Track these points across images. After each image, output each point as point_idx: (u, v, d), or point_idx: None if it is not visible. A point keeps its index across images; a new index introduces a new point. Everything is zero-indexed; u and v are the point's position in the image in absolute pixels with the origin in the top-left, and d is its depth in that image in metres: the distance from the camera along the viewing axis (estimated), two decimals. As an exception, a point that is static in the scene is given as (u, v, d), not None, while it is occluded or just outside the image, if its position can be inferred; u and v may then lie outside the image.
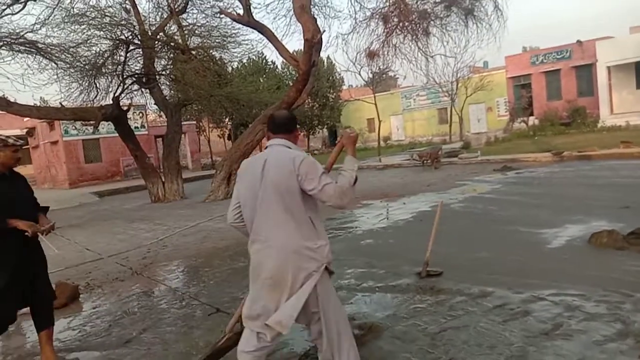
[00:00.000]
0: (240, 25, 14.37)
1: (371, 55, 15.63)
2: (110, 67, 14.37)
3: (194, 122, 31.92)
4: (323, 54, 22.16)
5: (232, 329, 3.29)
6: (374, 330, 3.73)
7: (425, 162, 16.87)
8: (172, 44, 15.22)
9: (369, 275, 5.22)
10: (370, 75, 25.38)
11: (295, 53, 15.51)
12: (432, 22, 14.46)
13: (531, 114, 28.71)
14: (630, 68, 24.99)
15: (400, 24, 14.30)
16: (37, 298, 3.71)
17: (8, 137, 3.68)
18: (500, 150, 18.30)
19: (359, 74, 22.06)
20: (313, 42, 11.27)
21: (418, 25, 14.38)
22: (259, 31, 13.17)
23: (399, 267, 5.31)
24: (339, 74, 37.27)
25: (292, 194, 2.60)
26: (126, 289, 5.82)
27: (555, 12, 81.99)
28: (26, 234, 3.45)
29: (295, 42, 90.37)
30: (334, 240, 7.18)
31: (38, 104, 18.02)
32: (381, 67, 19.05)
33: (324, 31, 12.64)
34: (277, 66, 35.47)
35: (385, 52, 15.18)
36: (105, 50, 14.05)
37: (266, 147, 2.82)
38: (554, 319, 3.63)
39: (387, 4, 14.07)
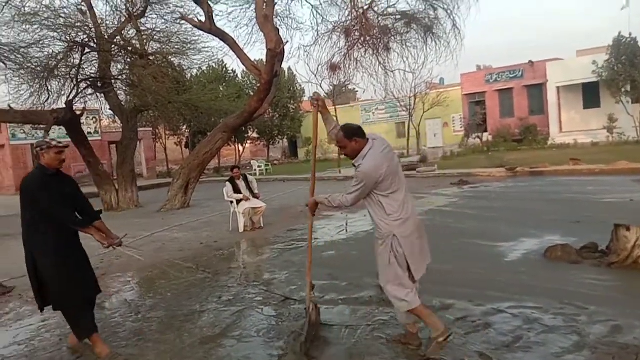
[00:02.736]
0: (201, 33, 14.14)
1: (333, 67, 15.70)
2: (63, 69, 13.81)
3: (150, 128, 31.15)
4: (284, 65, 22.08)
5: (310, 300, 3.90)
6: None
7: (384, 174, 17.04)
8: (129, 48, 14.82)
9: (331, 287, 5.18)
10: (331, 88, 25.58)
11: (256, 62, 15.42)
12: (392, 38, 14.71)
13: (485, 130, 29.65)
14: (578, 89, 26.28)
15: (362, 38, 14.47)
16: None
17: (52, 139, 3.96)
18: (456, 165, 18.76)
19: (320, 86, 22.15)
20: (276, 52, 11.23)
21: (379, 40, 14.60)
22: (220, 39, 13.00)
23: (361, 279, 5.30)
24: (300, 85, 37.38)
25: None
26: (77, 302, 5.52)
27: (508, 33, 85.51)
28: (104, 247, 4.08)
29: (256, 52, 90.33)
30: (295, 252, 7.11)
31: (-17, 105, 17.09)
32: (342, 79, 19.21)
33: (287, 42, 12.64)
34: (237, 75, 35.21)
35: (347, 65, 15.30)
36: (59, 52, 13.50)
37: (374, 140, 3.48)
38: (514, 332, 3.70)
39: (349, 18, 14.23)
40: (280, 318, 4.42)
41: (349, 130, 3.46)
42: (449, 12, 13.59)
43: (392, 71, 15.37)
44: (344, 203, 3.49)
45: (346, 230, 8.44)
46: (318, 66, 15.43)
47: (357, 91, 45.20)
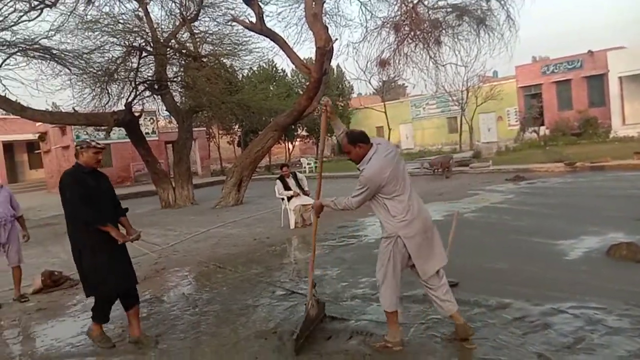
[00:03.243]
0: (252, 33, 14.42)
1: (382, 63, 15.59)
2: (122, 73, 14.47)
3: (204, 128, 32.03)
4: (333, 62, 22.24)
5: (312, 297, 4.00)
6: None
7: (436, 170, 16.78)
8: (183, 51, 15.30)
9: (383, 284, 5.15)
10: (380, 84, 25.38)
11: (306, 61, 15.54)
12: (443, 31, 14.44)
13: (542, 124, 28.52)
14: (643, 78, 24.80)
15: (412, 33, 14.27)
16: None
17: (92, 140, 4.26)
18: (512, 160, 18.18)
19: (369, 82, 22.03)
20: (325, 50, 11.28)
21: (430, 34, 14.36)
22: (271, 39, 13.20)
23: (413, 278, 5.23)
24: (349, 82, 37.33)
25: None
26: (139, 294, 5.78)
27: (566, 22, 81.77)
28: (119, 243, 4.00)
29: (305, 50, 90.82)
30: (346, 249, 7.14)
31: (50, 109, 18.13)
32: (391, 75, 19.03)
33: (336, 39, 12.67)
34: (287, 74, 35.60)
35: (396, 61, 15.15)
36: (118, 57, 14.16)
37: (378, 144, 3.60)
38: (575, 333, 3.56)
39: (399, 13, 14.08)
40: (332, 313, 4.44)
41: (353, 136, 3.58)
42: (502, 2, 13.20)
43: (443, 65, 15.11)
44: (349, 206, 3.59)
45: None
46: (367, 62, 15.38)
47: (406, 86, 44.69)
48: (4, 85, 13.00)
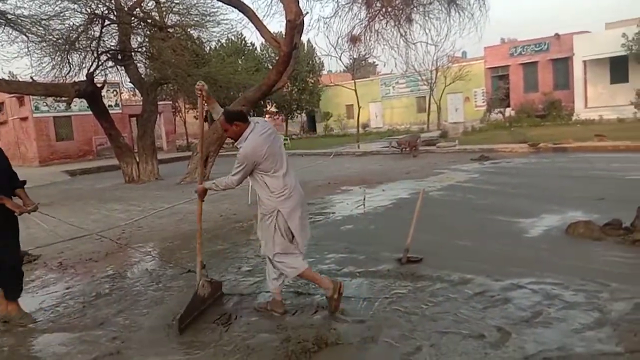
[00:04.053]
0: (220, 4, 14.02)
1: (353, 39, 15.45)
2: (84, 42, 13.86)
3: (170, 102, 31.28)
4: (303, 38, 21.92)
5: (201, 277, 4.14)
6: (329, 345, 3.32)
7: (404, 149, 16.93)
8: (149, 20, 14.78)
9: (349, 260, 5.19)
10: (351, 61, 25.24)
11: (275, 34, 15.25)
12: (415, 9, 14.37)
13: (508, 105, 29.05)
14: (605, 63, 25.47)
15: (383, 9, 14.17)
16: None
17: None
18: (478, 140, 18.48)
19: (340, 59, 21.92)
20: (295, 23, 11.06)
21: (401, 11, 14.28)
22: (239, 10, 12.85)
23: (379, 253, 5.29)
24: (319, 59, 36.97)
25: None
26: (100, 270, 5.66)
27: (535, 6, 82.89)
28: (15, 214, 3.95)
29: (275, 23, 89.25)
30: (313, 226, 7.11)
31: (7, 77, 17.30)
32: (362, 52, 18.93)
33: (307, 13, 12.44)
34: (256, 48, 34.94)
35: (367, 37, 15.04)
36: (80, 25, 13.53)
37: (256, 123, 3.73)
38: (533, 307, 3.67)
39: (371, -12, 13.91)
40: (298, 288, 4.44)
41: (230, 115, 3.73)
42: (473, -19, 13.20)
43: (413, 43, 15.08)
44: (230, 185, 3.76)
45: (364, 205, 8.43)
46: (338, 38, 15.22)
47: (377, 64, 44.66)
48: (-48, 52, 12.30)
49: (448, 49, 24.26)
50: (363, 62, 28.45)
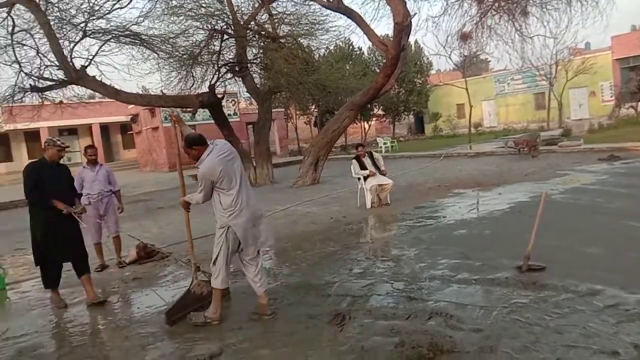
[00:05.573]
0: (328, 12, 14.36)
1: (464, 37, 14.96)
2: (206, 56, 15.01)
3: (282, 109, 32.62)
4: (411, 38, 21.44)
5: (195, 277, 4.61)
6: (444, 352, 3.23)
7: (521, 150, 15.97)
8: (262, 32, 15.57)
9: (463, 266, 5.04)
10: (461, 59, 24.38)
11: (383, 38, 15.26)
12: (530, 1, 13.54)
13: (640, 99, 26.14)
14: None
15: (496, 4, 13.52)
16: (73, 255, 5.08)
17: (57, 139, 5.12)
18: (606, 139, 16.90)
19: (449, 58, 21.26)
20: (403, 25, 10.99)
21: (516, 4, 13.53)
22: (347, 16, 13.06)
23: (496, 260, 5.08)
24: (427, 58, 36.18)
25: None
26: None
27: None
28: (63, 212, 4.81)
29: (382, 27, 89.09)
30: (423, 229, 7.03)
31: (141, 92, 19.28)
32: (473, 49, 18.23)
33: (415, 14, 12.31)
34: (363, 52, 35.17)
35: (479, 34, 14.46)
36: (202, 41, 14.70)
37: (215, 145, 4.15)
38: (677, 324, 3.29)
39: (482, -17, 13.35)
40: (410, 293, 4.42)
41: (188, 140, 4.12)
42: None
43: (530, 37, 14.26)
44: (197, 201, 4.16)
45: (477, 209, 8.12)
46: (447, 37, 14.86)
47: (489, 61, 42.71)
48: (100, 71, 14.12)
49: (569, 40, 22.46)
50: (474, 59, 27.30)
